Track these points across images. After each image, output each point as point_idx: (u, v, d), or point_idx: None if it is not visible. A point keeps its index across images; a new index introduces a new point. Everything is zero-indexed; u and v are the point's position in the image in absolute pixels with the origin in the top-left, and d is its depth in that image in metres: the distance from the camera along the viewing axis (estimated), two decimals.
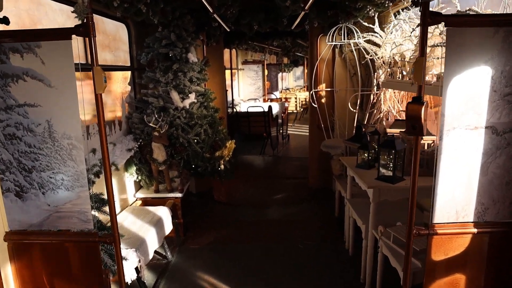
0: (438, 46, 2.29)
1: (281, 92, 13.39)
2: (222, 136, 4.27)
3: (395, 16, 3.77)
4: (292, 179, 5.68)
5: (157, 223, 3.23)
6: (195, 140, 3.95)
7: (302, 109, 12.83)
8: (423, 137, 2.81)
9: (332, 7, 4.02)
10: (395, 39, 3.32)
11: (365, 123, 4.20)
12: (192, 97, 3.99)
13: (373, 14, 3.55)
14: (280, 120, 8.21)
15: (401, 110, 3.17)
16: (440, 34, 2.49)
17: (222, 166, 4.25)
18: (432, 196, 1.96)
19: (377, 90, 3.97)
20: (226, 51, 7.09)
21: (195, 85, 4.08)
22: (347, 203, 3.44)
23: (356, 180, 2.99)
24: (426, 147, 2.78)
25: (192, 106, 4.01)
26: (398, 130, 3.10)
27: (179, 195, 3.83)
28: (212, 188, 4.99)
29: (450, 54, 1.77)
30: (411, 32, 2.37)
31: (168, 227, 3.43)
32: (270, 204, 4.73)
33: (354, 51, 4.18)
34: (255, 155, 7.30)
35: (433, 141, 2.75)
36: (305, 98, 13.27)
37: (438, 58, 2.46)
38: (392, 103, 3.74)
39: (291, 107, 12.60)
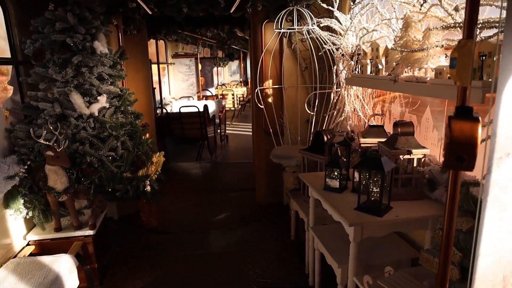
0: (452, 27, 1.63)
1: (216, 88, 12.49)
2: (147, 149, 3.33)
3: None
4: (236, 192, 4.88)
5: (52, 286, 2.24)
6: (110, 158, 2.97)
7: (240, 106, 12.08)
8: (413, 150, 2.19)
9: None
10: (363, 24, 2.65)
11: (324, 127, 3.54)
12: (102, 101, 2.99)
13: None
14: (217, 120, 7.35)
15: (376, 114, 2.54)
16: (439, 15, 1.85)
17: (149, 187, 3.31)
18: (472, 255, 1.29)
19: (337, 88, 3.31)
20: (152, 43, 6.05)
21: (107, 84, 3.08)
22: (311, 231, 2.73)
23: (327, 208, 2.28)
24: (415, 164, 2.15)
25: (103, 112, 3.00)
26: (375, 141, 2.44)
27: (90, 232, 2.84)
28: (139, 211, 4.02)
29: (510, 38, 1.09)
30: (422, 4, 1.68)
31: (71, 286, 2.45)
32: (213, 227, 3.89)
33: (309, 40, 3.47)
34: (191, 161, 6.38)
35: (424, 155, 2.13)
36: (243, 94, 12.55)
37: (438, 46, 1.81)
38: (358, 103, 3.10)
39: (228, 104, 11.78)
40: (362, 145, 2.47)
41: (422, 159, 2.15)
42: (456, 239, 1.74)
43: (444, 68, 1.80)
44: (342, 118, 3.30)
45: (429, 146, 2.25)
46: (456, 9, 1.59)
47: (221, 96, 10.43)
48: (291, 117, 4.02)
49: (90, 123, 2.91)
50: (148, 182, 3.28)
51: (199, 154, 6.54)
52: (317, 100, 3.44)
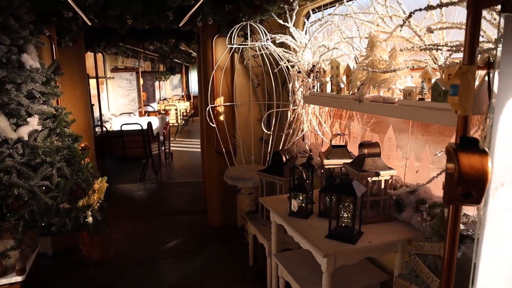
0: (431, 49, 1.59)
1: (158, 103, 12.01)
2: (87, 175, 2.96)
3: (308, 15, 3.10)
4: (187, 215, 4.58)
5: None
6: (44, 188, 2.57)
7: (183, 121, 11.72)
8: (381, 172, 2.13)
9: (233, 0, 3.13)
10: (322, 42, 2.60)
11: (280, 147, 3.42)
12: (33, 122, 2.60)
13: (295, 7, 2.79)
14: (161, 137, 6.98)
15: (339, 134, 2.47)
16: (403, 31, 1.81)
17: (91, 218, 2.94)
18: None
19: (294, 106, 3.22)
20: (90, 55, 5.58)
21: (39, 104, 2.68)
22: (274, 258, 2.57)
23: (295, 237, 2.14)
24: (382, 185, 2.09)
25: (34, 136, 2.61)
26: (340, 162, 2.36)
27: (18, 278, 2.41)
28: (78, 243, 3.58)
29: (508, 61, 1.03)
30: (406, 19, 1.61)
31: None
32: (164, 257, 3.56)
33: (263, 56, 3.36)
34: (134, 182, 5.94)
35: (391, 176, 2.08)
36: (186, 109, 12.22)
37: (407, 67, 1.77)
38: (315, 121, 3.03)
39: (172, 119, 11.36)
40: (326, 166, 2.38)
41: (390, 181, 2.10)
42: (434, 264, 1.69)
43: (414, 90, 1.76)
44: (298, 137, 3.21)
45: (393, 166, 2.21)
46: (430, 30, 1.55)
47: (164, 112, 10.00)
48: (244, 135, 3.87)
49: (18, 149, 2.50)
50: (89, 213, 2.90)
51: (143, 174, 6.12)
52: (273, 119, 3.32)
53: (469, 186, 0.94)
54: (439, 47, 1.51)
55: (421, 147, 2.13)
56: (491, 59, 1.49)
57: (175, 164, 7.43)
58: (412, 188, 1.92)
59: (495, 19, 1.46)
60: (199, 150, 6.16)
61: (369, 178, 2.06)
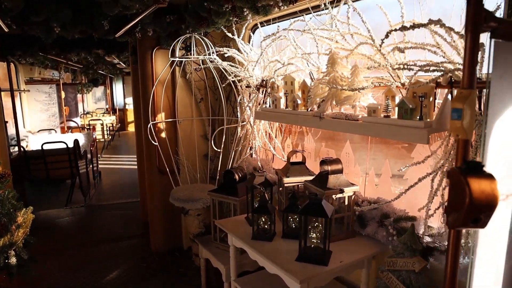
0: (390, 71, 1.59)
1: (81, 117, 11.09)
2: (8, 208, 2.53)
3: (254, 30, 3.04)
4: (125, 241, 4.19)
5: None
6: None
7: (110, 136, 10.97)
8: (344, 188, 2.12)
9: (175, 11, 2.96)
10: (275, 56, 2.55)
11: (229, 164, 3.29)
12: None
13: (248, 20, 2.71)
14: (89, 155, 6.39)
15: (296, 151, 2.41)
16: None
17: (14, 259, 2.51)
18: None
19: (242, 121, 3.12)
20: (2, 66, 4.91)
21: None
22: (234, 284, 2.42)
23: (262, 262, 2.02)
24: (346, 202, 2.08)
25: None
26: (300, 180, 2.31)
27: None
28: None
29: (498, 83, 1.05)
30: (382, 42, 1.60)
31: None
32: None
33: (207, 70, 3.22)
34: (59, 207, 5.33)
35: (354, 192, 2.07)
36: (112, 123, 11.49)
37: (373, 84, 1.78)
38: (266, 137, 2.96)
39: (98, 134, 10.56)
40: (286, 184, 2.31)
41: (353, 197, 2.09)
42: (408, 279, 1.69)
43: (379, 107, 1.77)
44: (248, 154, 3.12)
45: (352, 181, 2.22)
46: (401, 50, 1.57)
47: (89, 127, 9.24)
48: (187, 152, 3.67)
49: None
50: (12, 252, 2.48)
51: (69, 197, 5.52)
52: (222, 135, 3.19)
53: (479, 211, 0.92)
54: (409, 66, 1.53)
55: (380, 162, 2.16)
56: (453, 79, 1.55)
57: (105, 183, 6.86)
58: (381, 204, 1.93)
59: (454, 41, 1.53)
60: (130, 167, 5.75)
61: (333, 196, 2.03)
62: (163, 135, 3.56)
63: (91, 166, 6.42)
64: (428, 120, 1.60)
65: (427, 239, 1.79)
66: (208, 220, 3.26)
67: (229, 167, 3.25)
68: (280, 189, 2.46)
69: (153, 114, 3.47)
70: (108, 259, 3.74)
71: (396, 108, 1.70)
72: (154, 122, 3.47)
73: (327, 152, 2.53)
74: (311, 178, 2.28)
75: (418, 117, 1.63)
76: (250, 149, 3.19)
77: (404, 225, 1.90)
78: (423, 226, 1.82)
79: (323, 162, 2.15)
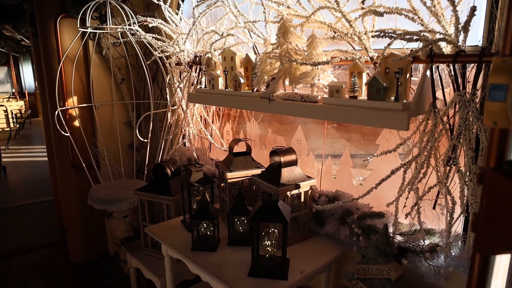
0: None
1: None
2: None
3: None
4: (38, 251, 3.50)
5: None
6: None
7: (17, 125, 9.60)
8: (301, 183, 1.80)
9: None
10: (211, 27, 2.12)
11: (158, 156, 2.81)
12: None
13: None
14: None
15: (240, 140, 2.02)
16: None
17: None
18: None
19: (173, 106, 2.66)
20: None
21: None
22: None
23: (204, 277, 1.64)
24: (302, 198, 1.77)
25: None
26: (247, 174, 1.95)
27: None
28: None
29: None
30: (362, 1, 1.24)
31: None
32: None
33: (134, 45, 2.67)
34: None
35: (311, 186, 1.78)
36: (20, 109, 10.08)
37: (336, 58, 1.45)
38: (200, 124, 2.54)
39: (1, 123, 9.16)
40: (230, 180, 1.94)
41: (309, 192, 1.79)
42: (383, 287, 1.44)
43: (344, 86, 1.47)
44: (180, 144, 2.67)
45: (306, 173, 1.93)
46: (379, 14, 1.25)
47: None
48: (108, 143, 3.11)
49: None
50: None
51: None
52: (150, 123, 2.69)
53: (498, 224, 0.64)
54: (389, 34, 1.22)
55: (339, 150, 1.89)
56: (433, 51, 1.29)
57: (12, 180, 5.88)
58: (347, 201, 1.65)
59: (434, 5, 1.25)
60: (45, 159, 4.95)
61: (288, 193, 1.71)
62: (77, 123, 2.95)
63: None
64: (405, 101, 1.33)
65: (398, 238, 1.56)
66: (137, 222, 2.78)
67: (159, 159, 2.79)
68: (222, 185, 2.09)
69: (61, 98, 2.84)
70: (17, 275, 3.07)
71: (365, 87, 1.40)
72: (64, 108, 2.84)
73: (274, 140, 2.20)
74: (259, 171, 1.94)
75: (393, 98, 1.35)
76: (183, 138, 2.75)
77: (370, 222, 1.65)
78: (393, 223, 1.58)
79: (274, 153, 1.81)
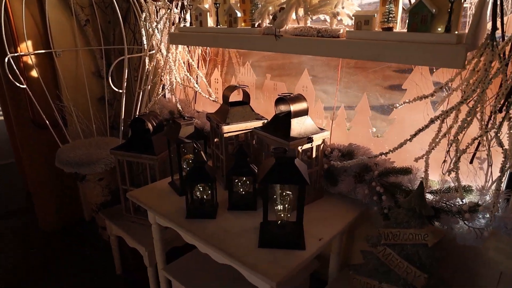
0: None
1: None
2: None
3: None
4: (2, 221, 3.15)
5: None
6: None
7: None
8: (313, 136, 1.54)
9: None
10: None
11: (135, 109, 2.45)
12: None
13: None
14: None
15: (237, 86, 1.69)
16: None
17: None
18: None
19: (151, 50, 2.27)
20: None
21: None
22: (163, 274, 1.80)
23: (204, 249, 1.41)
24: (314, 153, 1.52)
25: None
26: (246, 127, 1.66)
27: None
28: None
29: None
30: None
31: None
32: None
33: None
34: None
35: (323, 140, 1.52)
36: None
37: None
38: (184, 70, 2.19)
39: None
40: (226, 135, 1.65)
41: (321, 146, 1.54)
42: (416, 256, 1.25)
43: (375, 15, 1.17)
44: (160, 95, 2.32)
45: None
46: None
47: None
48: (75, 96, 2.71)
49: None
50: None
51: None
52: (124, 70, 2.29)
53: None
54: None
55: (354, 97, 1.62)
56: None
57: None
58: (377, 155, 1.39)
59: None
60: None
61: (299, 148, 1.45)
62: (35, 73, 2.51)
63: None
64: (457, 32, 1.06)
65: (429, 197, 1.36)
66: (114, 185, 2.49)
67: (137, 113, 2.44)
68: (216, 140, 1.80)
69: (12, 42, 2.38)
70: None
71: (405, 17, 1.11)
72: (15, 54, 2.39)
73: (274, 87, 1.91)
74: (260, 123, 1.66)
75: (440, 29, 1.07)
76: (163, 88, 2.39)
77: (394, 180, 1.44)
78: (423, 181, 1.37)
79: (280, 101, 1.53)
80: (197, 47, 2.21)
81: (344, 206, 1.57)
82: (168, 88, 2.24)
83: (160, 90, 2.31)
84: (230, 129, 1.64)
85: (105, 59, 2.72)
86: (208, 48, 2.21)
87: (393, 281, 1.30)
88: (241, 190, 1.58)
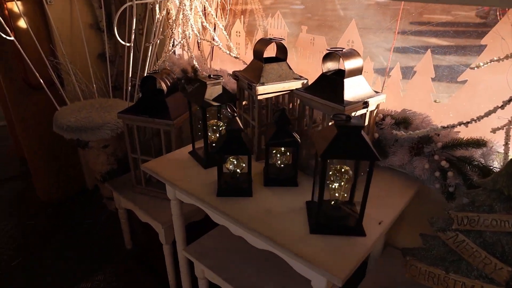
0: None
1: None
2: None
3: None
4: None
5: None
6: None
7: None
8: (369, 100, 1.28)
9: None
10: None
11: (147, 66, 2.15)
12: None
13: None
14: None
15: (272, 40, 1.41)
16: None
17: None
18: None
19: None
20: None
21: None
22: (184, 255, 1.60)
23: (239, 232, 1.19)
24: (366, 120, 1.28)
25: None
26: (286, 87, 1.40)
27: None
28: None
29: None
30: None
31: None
32: None
33: None
34: None
35: (378, 106, 1.28)
36: None
37: None
38: (203, 19, 1.89)
39: None
40: (260, 97, 1.39)
41: (375, 112, 1.30)
42: (498, 244, 1.05)
43: None
44: (171, 51, 2.02)
45: None
46: None
47: None
48: (72, 52, 2.40)
49: None
50: None
51: None
52: (131, 20, 1.97)
53: None
54: None
55: (412, 55, 1.36)
56: None
57: None
58: (454, 125, 1.15)
59: None
60: None
61: (353, 113, 1.21)
62: (23, 24, 2.18)
63: None
64: None
65: None
66: (121, 151, 2.24)
67: (144, 72, 2.15)
68: (245, 103, 1.55)
69: None
70: None
71: None
72: None
73: (312, 41, 1.63)
74: (299, 83, 1.41)
75: None
76: (173, 44, 2.09)
77: (463, 153, 1.22)
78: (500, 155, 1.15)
79: (329, 56, 1.26)
80: None
81: (398, 182, 1.36)
82: (182, 42, 1.94)
83: (171, 45, 2.01)
84: (266, 90, 1.38)
85: (104, 7, 2.38)
86: None
87: (464, 272, 1.11)
88: (279, 162, 1.35)
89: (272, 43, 1.44)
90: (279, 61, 1.44)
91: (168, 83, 1.74)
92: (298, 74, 1.46)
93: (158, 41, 2.04)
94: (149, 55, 2.02)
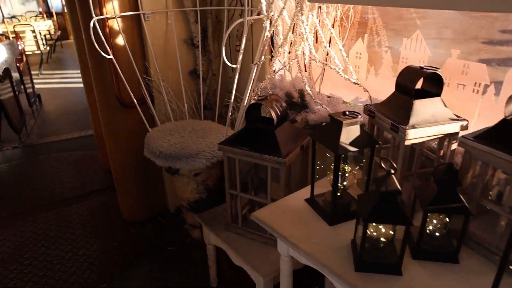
0: None
1: (3, 22, 8.77)
2: None
3: None
4: (82, 201, 2.91)
5: None
6: None
7: (48, 47, 8.88)
8: None
9: None
10: None
11: (249, 89, 1.94)
12: None
13: None
14: (15, 74, 4.72)
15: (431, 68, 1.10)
16: None
17: None
18: None
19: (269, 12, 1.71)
20: None
21: None
22: None
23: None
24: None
25: None
26: (441, 132, 1.08)
27: None
28: None
29: None
30: None
31: None
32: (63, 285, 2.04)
33: None
34: None
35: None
36: (49, 30, 9.30)
37: None
38: (322, 36, 1.62)
39: (30, 46, 8.44)
40: (407, 141, 1.07)
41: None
42: None
43: None
44: (278, 71, 1.78)
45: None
46: None
47: (14, 36, 7.15)
48: (164, 69, 2.27)
49: None
50: None
51: None
52: (223, 37, 1.76)
53: None
54: None
55: None
56: None
57: (48, 111, 5.28)
58: None
59: None
60: (81, 85, 4.27)
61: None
62: (121, 41, 2.10)
63: (22, 88, 4.80)
64: None
65: None
66: (212, 181, 2.05)
67: (247, 95, 1.93)
68: (385, 147, 1.25)
69: (98, 4, 1.96)
70: (57, 237, 2.50)
71: None
72: (101, 17, 1.97)
73: (465, 69, 1.28)
74: (457, 126, 1.07)
75: None
76: (280, 65, 1.85)
77: None
78: None
79: None
80: (335, 8, 1.61)
81: None
82: (291, 63, 1.69)
83: (276, 65, 1.77)
84: (417, 134, 1.06)
85: (200, 23, 2.23)
86: (351, 8, 1.60)
87: None
88: (435, 231, 1.03)
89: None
90: (433, 95, 1.12)
91: (278, 111, 1.49)
92: (452, 112, 1.12)
93: (262, 61, 1.81)
94: (252, 77, 1.80)
